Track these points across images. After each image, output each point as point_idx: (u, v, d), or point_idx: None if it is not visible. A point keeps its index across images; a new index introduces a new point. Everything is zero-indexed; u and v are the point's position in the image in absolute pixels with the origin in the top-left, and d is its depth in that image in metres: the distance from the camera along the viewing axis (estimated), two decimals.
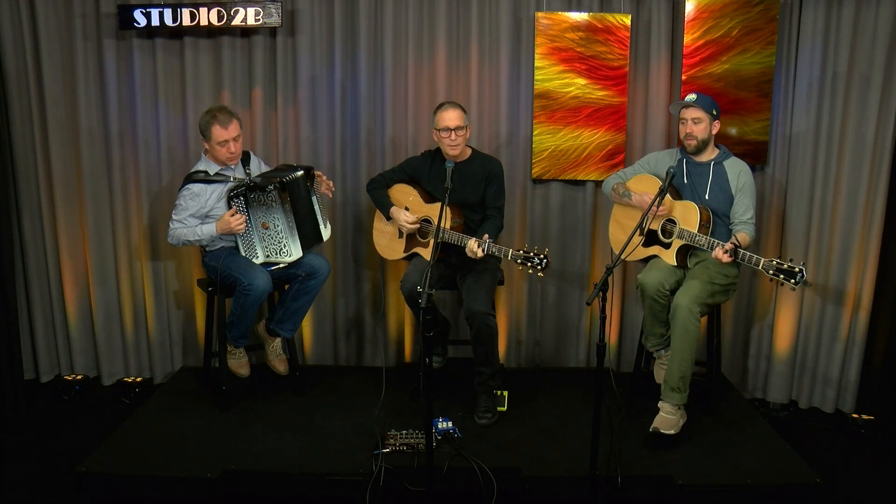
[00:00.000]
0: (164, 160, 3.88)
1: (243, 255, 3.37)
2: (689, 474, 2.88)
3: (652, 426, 3.06)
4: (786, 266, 2.76)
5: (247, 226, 3.32)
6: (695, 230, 3.10)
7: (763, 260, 2.82)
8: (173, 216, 3.36)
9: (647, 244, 3.31)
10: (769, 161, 3.77)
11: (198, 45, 3.77)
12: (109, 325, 4.03)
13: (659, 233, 3.26)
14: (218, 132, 3.27)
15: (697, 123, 3.21)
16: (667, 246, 3.23)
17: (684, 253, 3.23)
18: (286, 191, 3.30)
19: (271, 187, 3.26)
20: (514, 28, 3.78)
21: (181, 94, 3.82)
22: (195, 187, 3.33)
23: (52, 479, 3.08)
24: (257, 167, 3.54)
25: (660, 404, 3.13)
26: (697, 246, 3.09)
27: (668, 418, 3.08)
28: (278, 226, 3.34)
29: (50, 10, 3.70)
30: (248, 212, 3.31)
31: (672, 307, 3.11)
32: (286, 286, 3.49)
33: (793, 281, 2.73)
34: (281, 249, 3.37)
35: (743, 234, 3.14)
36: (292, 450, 3.06)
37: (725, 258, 2.90)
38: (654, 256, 3.32)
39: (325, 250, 3.97)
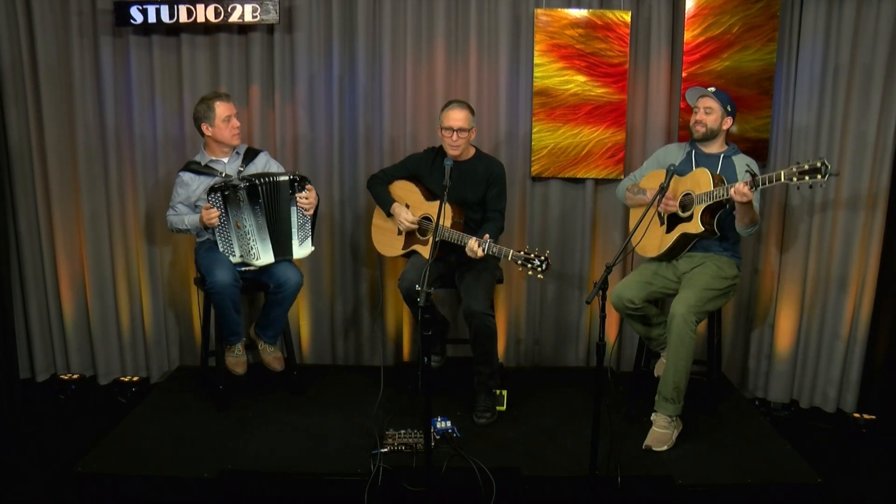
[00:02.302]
0: (161, 158, 3.86)
1: (221, 251, 3.37)
2: (689, 474, 2.87)
3: (644, 443, 3.05)
4: (807, 167, 2.74)
5: (221, 222, 3.32)
6: (711, 188, 3.05)
7: (783, 171, 2.79)
8: (170, 203, 3.46)
9: (669, 230, 3.24)
10: (770, 158, 3.74)
11: (195, 42, 3.75)
12: (106, 323, 4.01)
13: (679, 210, 3.19)
14: (222, 107, 3.34)
15: (709, 113, 3.20)
16: (689, 218, 3.16)
17: (711, 213, 3.13)
18: (256, 193, 3.30)
19: (242, 187, 3.27)
20: (514, 25, 3.76)
21: (178, 92, 3.80)
22: (186, 176, 3.41)
23: (49, 479, 3.06)
24: (263, 166, 3.52)
25: (653, 417, 3.12)
26: (718, 200, 3.02)
27: (660, 433, 3.07)
28: (247, 227, 3.34)
29: (46, 7, 3.68)
30: (225, 208, 3.32)
31: (669, 315, 3.09)
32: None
33: (820, 176, 2.71)
34: (250, 251, 3.37)
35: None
36: (290, 449, 3.05)
37: (746, 189, 2.86)
38: (651, 260, 3.31)
39: (322, 249, 3.96)
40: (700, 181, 3.11)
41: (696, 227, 3.13)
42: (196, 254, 3.49)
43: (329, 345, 4.12)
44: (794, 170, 2.77)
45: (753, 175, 2.87)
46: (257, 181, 3.31)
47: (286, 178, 3.36)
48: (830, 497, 2.92)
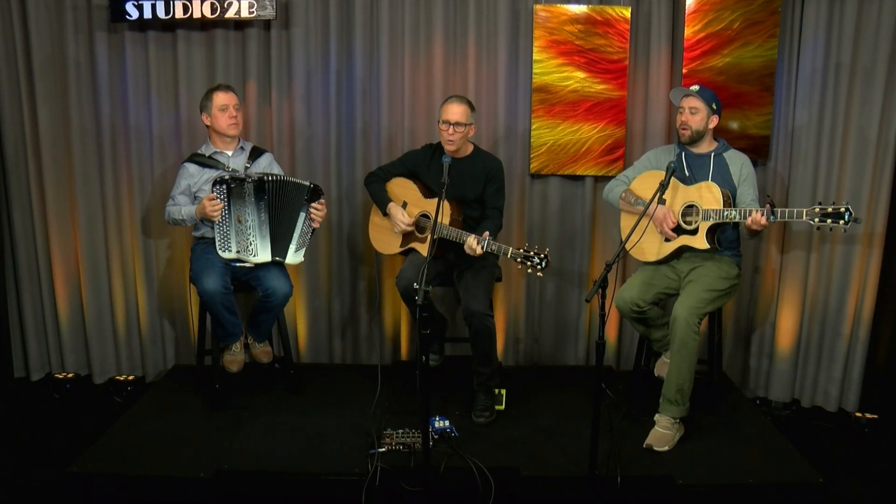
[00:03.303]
0: (157, 155, 3.83)
1: (217, 246, 3.33)
2: (690, 474, 2.84)
3: (646, 442, 3.03)
4: (830, 210, 2.75)
5: (223, 215, 3.30)
6: (720, 207, 3.02)
7: (805, 210, 2.80)
8: (170, 194, 3.44)
9: (669, 238, 3.20)
10: (771, 155, 3.72)
11: (191, 38, 3.72)
12: (101, 322, 3.98)
13: (680, 221, 3.14)
14: (220, 97, 3.35)
15: (694, 114, 3.16)
16: (694, 232, 3.12)
17: (713, 230, 3.11)
18: (264, 190, 3.29)
19: (249, 181, 3.26)
20: (513, 20, 3.73)
21: (174, 88, 3.77)
22: (191, 167, 3.41)
23: (43, 479, 3.04)
24: (265, 167, 3.50)
25: (656, 417, 3.09)
26: (728, 220, 3.01)
27: (663, 434, 3.04)
28: (250, 222, 3.32)
29: (41, 3, 3.65)
30: (228, 201, 3.30)
31: (671, 318, 3.06)
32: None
33: (842, 222, 2.73)
34: (248, 247, 3.34)
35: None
36: (287, 449, 3.02)
37: (763, 220, 2.87)
38: (647, 263, 3.27)
39: (319, 246, 3.93)
40: (706, 196, 3.07)
41: (701, 243, 3.09)
42: (192, 252, 3.47)
43: (326, 343, 4.10)
44: (817, 210, 2.78)
45: (773, 206, 2.85)
46: (265, 177, 3.29)
47: (306, 183, 3.36)
48: (831, 497, 2.90)
